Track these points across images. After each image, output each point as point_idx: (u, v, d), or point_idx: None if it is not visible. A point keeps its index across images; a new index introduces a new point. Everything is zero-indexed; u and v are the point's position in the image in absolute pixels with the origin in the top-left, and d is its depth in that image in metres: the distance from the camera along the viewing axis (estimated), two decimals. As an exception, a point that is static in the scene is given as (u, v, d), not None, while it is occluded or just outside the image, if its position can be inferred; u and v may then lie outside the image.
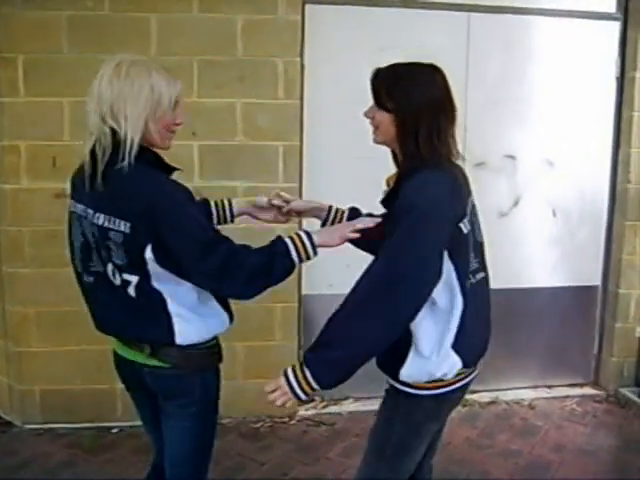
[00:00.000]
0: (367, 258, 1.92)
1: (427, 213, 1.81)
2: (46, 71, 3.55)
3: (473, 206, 2.07)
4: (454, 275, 1.92)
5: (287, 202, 2.36)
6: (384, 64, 1.99)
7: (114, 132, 1.82)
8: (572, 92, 4.18)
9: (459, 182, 1.98)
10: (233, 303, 2.11)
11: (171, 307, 1.92)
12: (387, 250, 1.83)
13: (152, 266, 1.85)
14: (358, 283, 1.84)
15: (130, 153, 1.82)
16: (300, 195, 3.81)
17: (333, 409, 4.09)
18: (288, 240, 1.91)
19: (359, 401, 4.13)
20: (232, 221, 2.41)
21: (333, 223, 2.37)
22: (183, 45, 3.60)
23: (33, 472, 3.37)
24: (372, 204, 2.18)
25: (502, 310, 4.29)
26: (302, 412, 4.01)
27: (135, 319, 1.96)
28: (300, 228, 1.85)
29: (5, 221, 3.69)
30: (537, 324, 4.40)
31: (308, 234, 1.93)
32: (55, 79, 3.55)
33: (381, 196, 2.10)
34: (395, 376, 2.00)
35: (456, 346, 1.96)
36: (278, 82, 3.69)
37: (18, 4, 3.48)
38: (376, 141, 2.03)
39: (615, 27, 4.17)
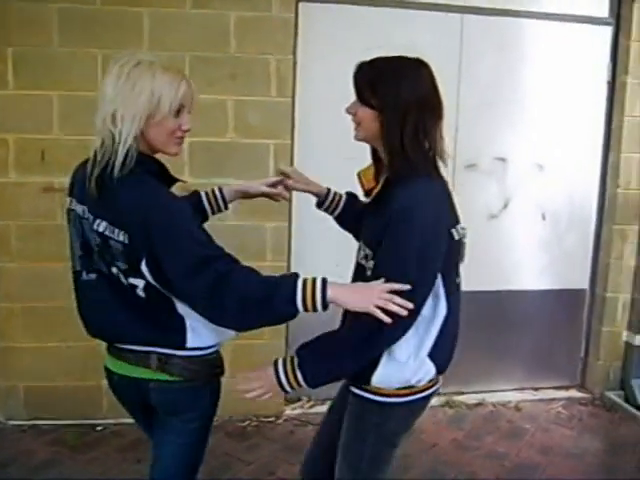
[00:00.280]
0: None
1: (428, 228, 1.79)
2: (36, 64, 3.52)
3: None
4: (441, 283, 1.90)
5: (287, 176, 2.33)
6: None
7: (113, 135, 1.77)
8: (563, 96, 4.19)
9: (448, 187, 1.96)
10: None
11: (180, 309, 1.86)
12: (384, 266, 1.81)
13: (149, 278, 1.78)
14: None
15: (126, 159, 1.74)
16: (291, 194, 3.79)
17: (320, 409, 4.08)
18: (299, 284, 1.70)
19: (346, 401, 4.12)
20: (227, 208, 2.35)
21: (330, 207, 2.34)
22: (176, 41, 3.58)
23: (16, 469, 3.33)
24: (363, 203, 2.16)
25: (489, 312, 4.33)
26: (289, 412, 4.00)
27: (142, 320, 1.88)
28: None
29: (-8, 215, 3.66)
30: (524, 327, 4.41)
31: (324, 284, 1.70)
32: (45, 72, 3.52)
33: (363, 198, 2.11)
34: (367, 382, 1.95)
35: (432, 353, 1.94)
36: (270, 80, 3.68)
37: (9, -4, 3.46)
38: (357, 138, 1.98)
39: (607, 32, 4.19)
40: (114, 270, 1.84)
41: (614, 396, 4.35)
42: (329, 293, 1.69)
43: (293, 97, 3.78)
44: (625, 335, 4.40)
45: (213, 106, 3.62)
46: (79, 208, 1.88)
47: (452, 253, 1.91)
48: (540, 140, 4.20)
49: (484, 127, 4.10)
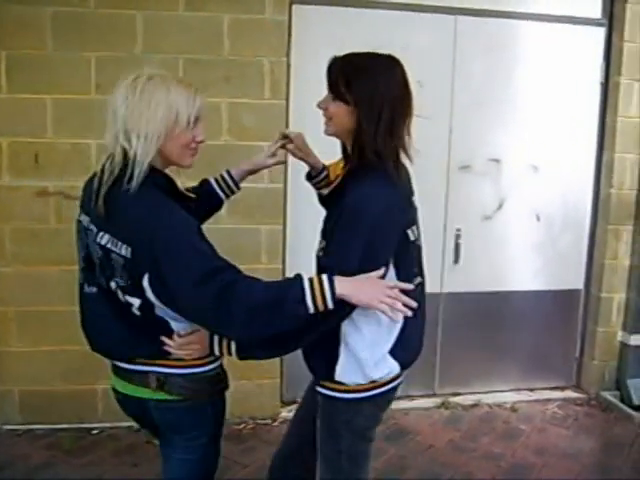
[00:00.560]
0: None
1: (378, 223, 1.80)
2: (29, 67, 3.51)
3: (416, 209, 2.07)
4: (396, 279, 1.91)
5: (290, 141, 2.34)
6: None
7: (125, 151, 1.74)
8: (557, 97, 4.20)
9: (408, 187, 1.97)
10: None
11: (175, 327, 1.85)
12: (330, 258, 1.84)
13: (149, 295, 1.75)
14: None
15: (139, 175, 1.72)
16: (285, 195, 3.80)
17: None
18: (306, 284, 1.69)
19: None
20: (238, 188, 2.37)
21: (319, 183, 2.34)
22: (169, 43, 3.57)
23: (12, 474, 3.32)
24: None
25: (485, 313, 4.34)
26: (285, 414, 3.99)
27: (139, 337, 1.87)
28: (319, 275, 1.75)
29: (-14, 219, 3.65)
30: (520, 327, 4.41)
31: (331, 280, 1.70)
32: (39, 76, 3.52)
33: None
34: (331, 378, 1.97)
35: (394, 351, 1.97)
36: (264, 82, 3.68)
37: (1, -1, 3.45)
38: (327, 133, 1.98)
39: (600, 32, 4.20)
40: (112, 285, 1.82)
41: (609, 396, 4.35)
42: (337, 288, 1.69)
43: (287, 99, 3.78)
44: (620, 335, 4.41)
45: (207, 109, 3.61)
46: (85, 219, 1.87)
47: (408, 254, 1.92)
48: (534, 141, 4.21)
49: (478, 128, 4.11)
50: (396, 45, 3.77)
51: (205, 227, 2.06)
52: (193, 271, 1.66)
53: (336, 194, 1.94)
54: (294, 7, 3.76)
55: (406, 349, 2.01)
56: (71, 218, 3.60)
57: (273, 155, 2.35)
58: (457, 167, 4.12)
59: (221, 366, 2.02)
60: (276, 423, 3.92)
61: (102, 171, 1.77)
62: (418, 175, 3.97)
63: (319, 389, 2.04)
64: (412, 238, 1.92)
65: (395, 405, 4.11)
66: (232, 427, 3.81)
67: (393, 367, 1.98)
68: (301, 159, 2.36)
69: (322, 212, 2.08)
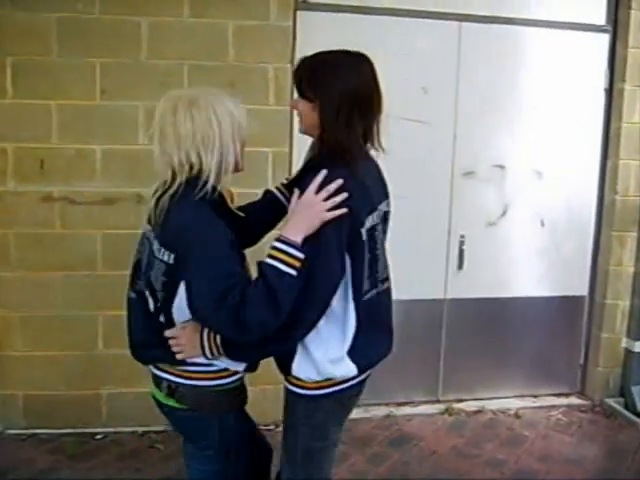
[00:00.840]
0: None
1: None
2: (35, 73, 3.52)
3: (385, 212, 2.06)
4: (350, 286, 1.92)
5: None
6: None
7: (191, 167, 1.84)
8: (561, 103, 4.20)
9: (366, 184, 1.93)
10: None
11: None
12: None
13: (184, 300, 1.84)
14: None
15: (206, 185, 1.82)
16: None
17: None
18: (270, 260, 1.77)
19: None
20: None
21: None
22: (174, 49, 3.59)
23: (16, 478, 3.32)
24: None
25: (489, 319, 4.33)
26: (288, 420, 3.99)
27: (156, 340, 1.97)
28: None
29: (-9, 224, 3.66)
30: (524, 333, 4.40)
31: (280, 240, 1.79)
32: (44, 81, 3.53)
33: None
34: (289, 372, 2.00)
35: (352, 354, 1.96)
36: (269, 88, 3.69)
37: (7, 5, 3.46)
38: (301, 131, 2.03)
39: (604, 39, 4.20)
40: (147, 292, 1.96)
41: (614, 403, 4.34)
42: (291, 238, 1.77)
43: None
44: (624, 342, 4.39)
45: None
46: (147, 227, 1.96)
47: (359, 253, 1.90)
48: (538, 147, 4.21)
49: (482, 134, 4.11)
50: (400, 51, 3.84)
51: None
52: (213, 287, 1.74)
53: (297, 184, 1.96)
54: (299, 13, 3.77)
55: (365, 353, 1.99)
56: (76, 223, 3.65)
57: None
58: (461, 173, 4.12)
59: (236, 382, 2.05)
60: (279, 429, 3.91)
61: (165, 188, 1.86)
62: (422, 181, 4.03)
63: (285, 384, 2.07)
64: (364, 238, 1.89)
65: (398, 411, 4.17)
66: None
67: (349, 369, 1.97)
68: None
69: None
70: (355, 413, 3.84)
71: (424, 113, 3.97)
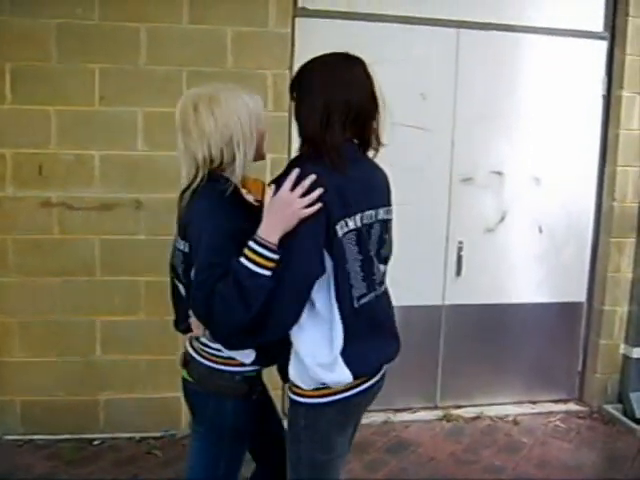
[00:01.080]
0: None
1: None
2: (34, 79, 3.53)
3: (387, 220, 2.04)
4: (332, 287, 1.89)
5: None
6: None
7: (212, 161, 1.93)
8: (559, 109, 4.21)
9: (348, 182, 1.88)
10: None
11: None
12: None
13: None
14: None
15: (228, 178, 1.94)
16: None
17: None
18: (243, 259, 1.78)
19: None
20: None
21: None
22: (172, 56, 3.60)
23: (13, 484, 3.32)
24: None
25: (487, 325, 4.33)
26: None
27: (181, 314, 2.14)
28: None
29: (-11, 229, 3.66)
30: (522, 340, 4.40)
31: (254, 240, 1.79)
32: (43, 87, 3.54)
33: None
34: (287, 380, 2.00)
35: (346, 358, 1.91)
36: (267, 94, 3.69)
37: (7, 11, 3.47)
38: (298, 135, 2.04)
39: (602, 46, 4.21)
40: (176, 280, 2.13)
41: (612, 409, 4.34)
42: (266, 238, 1.78)
43: (290, 111, 3.79)
44: (623, 348, 4.40)
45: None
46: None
47: (339, 251, 1.86)
48: (536, 153, 4.22)
49: (480, 141, 4.12)
50: (399, 58, 3.85)
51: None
52: (196, 276, 1.85)
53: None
54: (297, 20, 3.78)
55: (358, 357, 1.93)
56: (74, 229, 3.65)
57: None
58: (459, 179, 4.12)
59: (243, 374, 2.07)
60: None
61: (189, 184, 1.95)
62: (420, 187, 4.04)
63: (288, 393, 2.04)
64: (339, 234, 1.84)
65: (396, 417, 4.16)
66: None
67: (343, 376, 1.92)
68: None
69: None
70: (353, 419, 3.87)
71: (422, 119, 3.98)
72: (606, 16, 4.21)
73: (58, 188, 3.61)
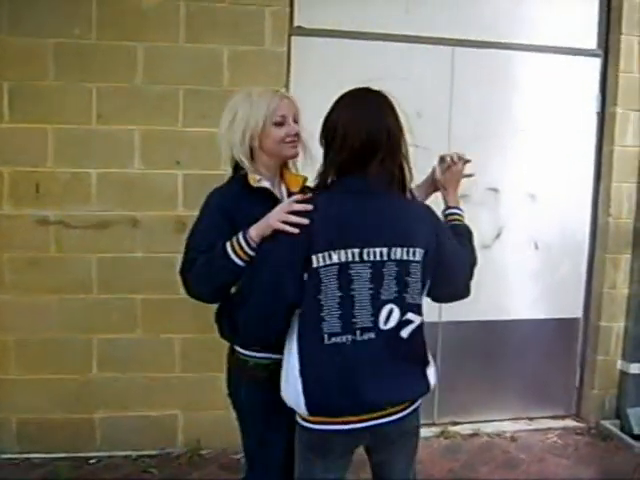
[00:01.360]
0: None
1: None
2: (31, 98, 3.55)
3: (406, 262, 1.96)
4: (296, 319, 1.92)
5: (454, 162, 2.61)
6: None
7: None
8: (554, 126, 4.23)
9: (346, 218, 1.90)
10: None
11: None
12: None
13: None
14: None
15: (238, 170, 2.30)
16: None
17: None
18: (227, 243, 2.02)
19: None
20: None
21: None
22: (169, 74, 3.62)
23: (8, 503, 3.30)
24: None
25: (483, 342, 4.32)
26: (283, 443, 3.97)
27: None
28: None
29: (-14, 247, 3.66)
30: (519, 356, 4.40)
31: (243, 232, 2.00)
32: (40, 106, 3.55)
33: None
34: None
35: (307, 391, 1.88)
36: (264, 112, 3.70)
37: (4, 30, 3.50)
38: None
39: (596, 63, 4.25)
40: None
41: (610, 425, 4.33)
42: (249, 232, 1.98)
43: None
44: (620, 364, 4.40)
45: (206, 139, 3.59)
46: None
47: (311, 280, 1.85)
48: (532, 170, 4.24)
49: (476, 158, 4.09)
50: (394, 76, 3.85)
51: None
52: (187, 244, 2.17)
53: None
54: (293, 38, 3.81)
55: (314, 393, 1.89)
56: (71, 247, 3.65)
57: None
58: (455, 196, 4.13)
59: (253, 360, 2.18)
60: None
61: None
62: (416, 204, 4.02)
63: None
64: (315, 265, 1.84)
65: (394, 434, 4.12)
66: (229, 457, 3.77)
67: (300, 404, 1.90)
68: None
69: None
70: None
71: (418, 137, 3.98)
72: (599, 34, 4.24)
73: (55, 206, 3.62)
